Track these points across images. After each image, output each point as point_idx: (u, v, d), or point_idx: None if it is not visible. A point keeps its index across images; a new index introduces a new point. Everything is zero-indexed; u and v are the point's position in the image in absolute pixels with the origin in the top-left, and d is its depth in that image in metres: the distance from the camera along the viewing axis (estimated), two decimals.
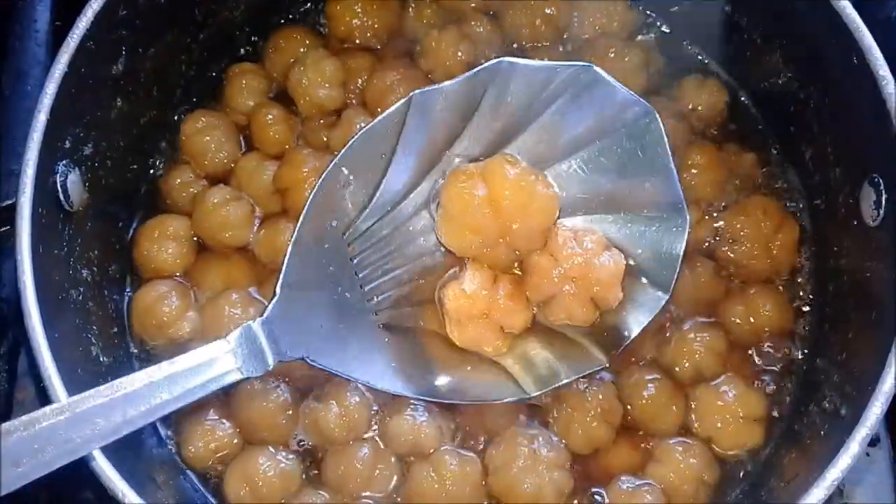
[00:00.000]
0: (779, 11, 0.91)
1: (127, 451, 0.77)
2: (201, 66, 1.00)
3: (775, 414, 0.88)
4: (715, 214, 0.95)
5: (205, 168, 0.97)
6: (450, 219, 0.78)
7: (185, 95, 1.00)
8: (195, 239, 0.94)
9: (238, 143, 0.98)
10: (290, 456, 0.85)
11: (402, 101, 0.76)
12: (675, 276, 0.78)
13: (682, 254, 0.78)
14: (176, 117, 0.99)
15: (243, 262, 0.93)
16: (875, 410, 0.71)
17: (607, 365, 0.80)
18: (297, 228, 0.76)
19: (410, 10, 1.02)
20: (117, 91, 0.88)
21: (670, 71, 1.01)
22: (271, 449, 0.85)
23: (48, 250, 0.77)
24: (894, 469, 0.92)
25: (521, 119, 0.79)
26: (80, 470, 0.88)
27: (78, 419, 0.63)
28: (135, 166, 0.95)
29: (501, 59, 0.77)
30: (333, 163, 0.77)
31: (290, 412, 0.86)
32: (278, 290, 0.74)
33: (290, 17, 1.04)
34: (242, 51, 1.02)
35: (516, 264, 0.81)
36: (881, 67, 0.77)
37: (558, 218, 0.79)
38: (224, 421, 0.86)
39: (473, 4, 1.03)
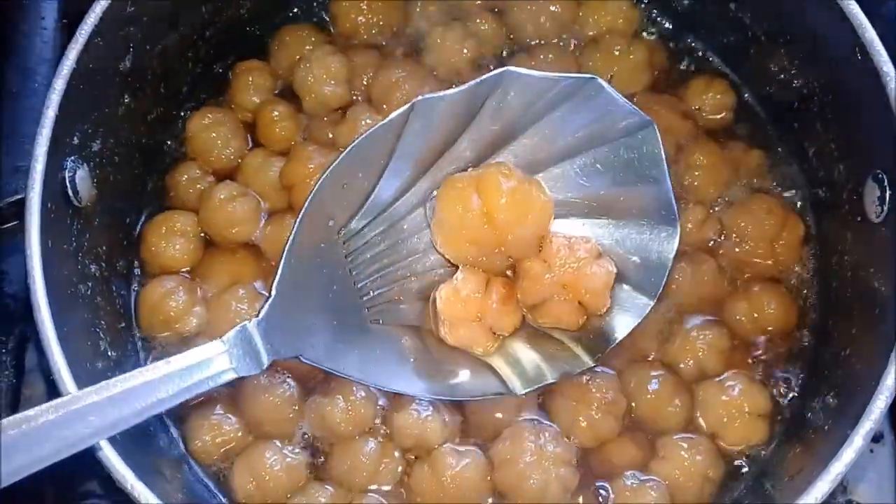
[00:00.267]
0: (782, 8, 0.91)
1: (135, 444, 0.77)
2: (208, 63, 1.01)
3: (779, 409, 0.89)
4: (718, 209, 0.95)
5: (211, 164, 0.97)
6: (445, 229, 0.78)
7: (192, 92, 1.00)
8: (202, 235, 0.94)
9: (244, 140, 0.99)
10: (297, 450, 0.86)
11: (406, 106, 0.76)
12: (663, 284, 0.79)
13: (670, 262, 0.79)
14: (183, 114, 1.00)
15: (250, 258, 0.93)
16: (879, 404, 0.71)
17: (592, 366, 0.81)
18: (294, 229, 0.76)
19: (416, 7, 1.03)
20: (125, 88, 0.88)
21: (675, 68, 1.02)
22: (278, 443, 0.85)
23: (57, 245, 0.77)
24: None
25: (518, 124, 0.80)
26: (86, 464, 0.89)
27: (74, 416, 0.64)
28: (142, 162, 0.96)
29: (506, 68, 0.77)
30: (335, 163, 0.78)
31: (297, 407, 0.87)
32: (274, 290, 0.74)
33: (296, 14, 1.05)
34: (248, 48, 1.03)
35: (509, 268, 0.81)
36: (884, 63, 0.77)
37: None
38: (231, 416, 0.87)
39: (478, 1, 1.03)
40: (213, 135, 0.97)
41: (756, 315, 0.90)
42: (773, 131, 0.99)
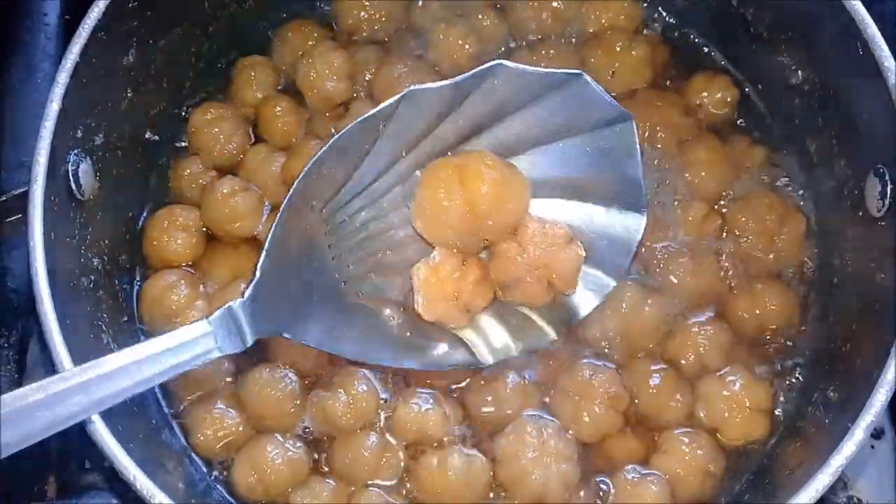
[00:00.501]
0: (783, 3, 0.91)
1: (137, 436, 0.78)
2: (210, 59, 1.01)
3: (780, 404, 0.89)
4: (721, 205, 0.95)
5: (214, 159, 0.98)
6: (425, 213, 0.80)
7: (195, 87, 1.01)
8: (204, 229, 0.94)
9: (247, 135, 0.99)
10: (299, 444, 0.86)
11: (397, 96, 0.77)
12: (627, 266, 0.83)
13: (635, 247, 0.82)
14: (185, 109, 1.00)
15: (251, 253, 0.94)
16: (879, 398, 0.71)
17: (555, 339, 0.84)
18: (281, 213, 0.77)
19: (418, 3, 1.03)
20: (128, 82, 0.89)
21: (676, 64, 1.02)
22: (279, 437, 0.85)
23: (60, 238, 0.78)
24: None
25: (502, 112, 0.81)
26: (89, 455, 0.90)
27: (65, 394, 0.65)
28: (144, 157, 0.96)
29: (498, 61, 0.78)
30: (323, 150, 0.78)
31: (299, 401, 0.87)
32: (258, 271, 0.75)
33: (299, 10, 1.05)
34: (251, 44, 1.03)
35: (484, 249, 0.83)
36: (886, 59, 0.78)
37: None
38: (232, 410, 0.87)
39: None
40: (216, 130, 0.97)
41: (757, 311, 0.90)
42: (775, 126, 0.99)
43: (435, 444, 0.85)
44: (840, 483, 0.90)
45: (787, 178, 0.97)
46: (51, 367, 0.72)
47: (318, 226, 0.79)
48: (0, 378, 0.94)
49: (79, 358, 0.72)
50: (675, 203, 0.95)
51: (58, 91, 0.77)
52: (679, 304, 0.91)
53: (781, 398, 0.89)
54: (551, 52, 1.00)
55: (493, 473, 0.84)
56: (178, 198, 0.97)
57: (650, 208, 0.92)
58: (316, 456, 0.87)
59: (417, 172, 0.81)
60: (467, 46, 0.99)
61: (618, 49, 0.99)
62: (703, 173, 0.95)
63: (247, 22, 1.02)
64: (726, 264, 0.93)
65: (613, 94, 0.97)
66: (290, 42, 1.02)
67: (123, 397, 0.67)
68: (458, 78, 0.78)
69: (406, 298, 0.83)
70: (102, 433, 0.70)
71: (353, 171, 0.80)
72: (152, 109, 0.95)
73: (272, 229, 0.76)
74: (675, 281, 0.91)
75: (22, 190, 0.78)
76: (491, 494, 0.85)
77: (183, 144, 0.99)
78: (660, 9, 1.04)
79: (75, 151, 0.81)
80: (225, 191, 0.93)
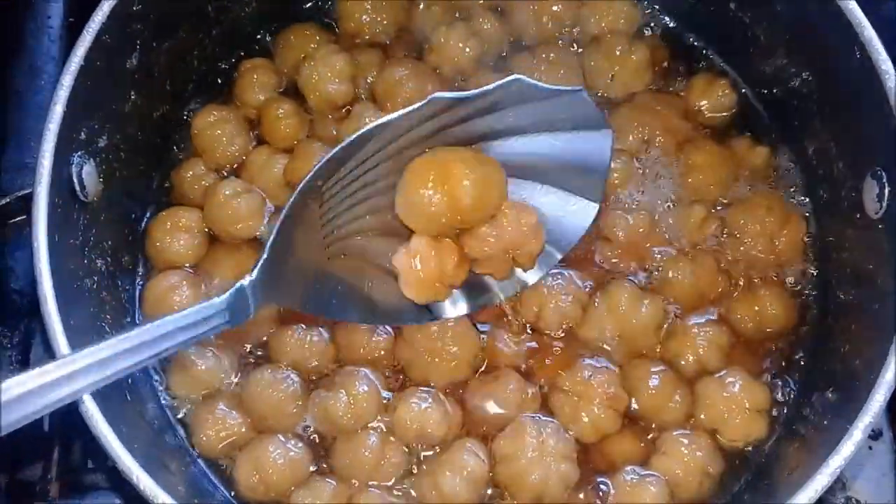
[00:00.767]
0: (782, 7, 0.92)
1: (141, 437, 0.78)
2: (213, 61, 1.01)
3: (778, 405, 0.89)
4: (719, 207, 0.95)
5: (216, 161, 0.98)
6: (409, 205, 0.83)
7: (198, 90, 1.01)
8: (206, 231, 0.95)
9: (249, 137, 0.99)
10: (300, 444, 0.86)
11: (424, 101, 0.79)
12: (571, 246, 0.89)
13: (583, 232, 0.89)
14: (188, 111, 1.00)
15: (253, 254, 0.94)
16: (877, 399, 0.72)
17: (502, 300, 0.90)
18: (296, 193, 0.78)
19: (420, 6, 1.04)
20: (132, 84, 0.89)
21: (676, 67, 1.02)
22: (281, 437, 0.86)
23: (63, 240, 0.78)
24: None
25: (503, 115, 0.83)
26: (92, 456, 0.90)
27: (81, 373, 0.65)
28: (148, 159, 0.97)
29: (518, 77, 0.81)
30: (353, 137, 0.79)
31: (300, 402, 0.87)
32: (267, 252, 0.77)
33: (301, 12, 1.05)
34: (254, 46, 1.04)
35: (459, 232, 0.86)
36: (883, 62, 0.78)
37: None
38: (234, 410, 0.87)
39: (481, 1, 1.04)
40: (219, 132, 0.97)
41: (756, 313, 0.91)
42: (773, 129, 1.00)
43: (435, 444, 0.86)
44: (838, 484, 0.90)
45: (786, 181, 0.98)
46: None
47: (317, 199, 0.81)
48: (3, 378, 0.94)
49: None
50: (675, 206, 0.95)
51: (62, 94, 0.78)
52: (678, 305, 0.91)
53: (780, 399, 0.89)
54: (551, 55, 1.00)
55: (493, 473, 0.85)
56: (180, 199, 0.97)
57: (651, 210, 0.95)
58: (317, 456, 0.87)
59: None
60: (468, 49, 1.00)
61: (617, 52, 0.99)
62: (702, 176, 0.96)
63: (249, 25, 1.03)
64: (726, 266, 0.93)
65: (613, 97, 1.00)
66: (292, 45, 1.02)
67: (131, 371, 0.68)
68: (479, 90, 0.80)
69: (382, 260, 0.86)
70: (106, 434, 0.71)
71: (362, 161, 0.81)
72: (155, 112, 0.96)
73: (287, 208, 0.78)
74: (675, 283, 0.91)
75: (26, 192, 0.79)
76: (489, 492, 0.85)
77: (186, 147, 1.00)
78: (659, 12, 1.04)
79: (79, 153, 0.81)
80: (227, 193, 0.94)
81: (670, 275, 0.92)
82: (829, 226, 0.93)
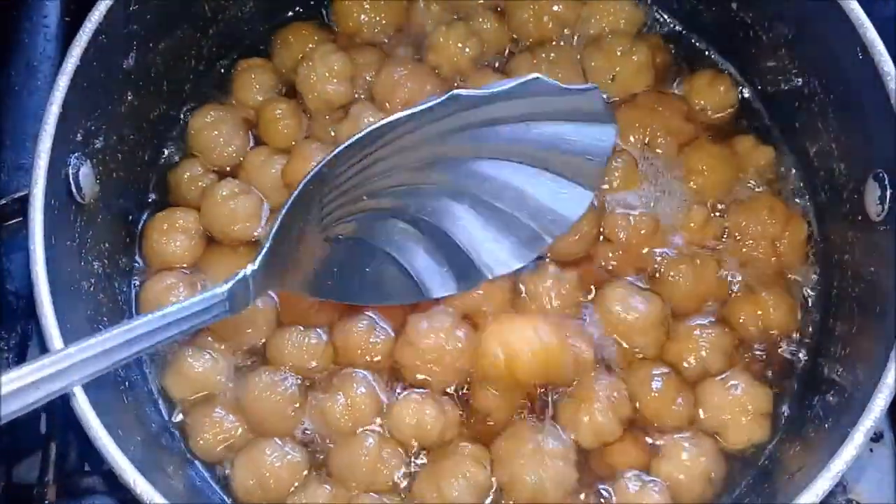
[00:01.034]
0: (783, 8, 0.91)
1: (136, 440, 0.78)
2: (210, 61, 1.01)
3: (781, 408, 0.89)
4: (721, 210, 0.95)
5: (213, 162, 0.98)
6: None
7: (195, 90, 1.01)
8: (203, 232, 0.94)
9: (246, 138, 0.99)
10: (297, 448, 0.86)
11: (445, 95, 0.80)
12: (562, 232, 0.90)
13: (576, 218, 0.90)
14: (185, 112, 1.00)
15: (251, 255, 0.93)
16: (879, 402, 0.71)
17: (489, 278, 0.91)
18: (304, 181, 0.79)
19: (419, 5, 1.03)
20: (128, 85, 0.89)
21: (677, 68, 1.02)
22: (278, 441, 0.85)
23: (60, 242, 0.78)
24: None
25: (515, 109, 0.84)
26: (89, 460, 0.90)
27: (90, 361, 0.67)
28: (144, 160, 0.96)
29: (538, 76, 0.82)
30: (365, 131, 0.79)
31: (298, 404, 0.87)
32: (271, 240, 0.77)
33: (299, 12, 1.05)
34: (251, 46, 1.03)
35: None
36: (885, 63, 0.78)
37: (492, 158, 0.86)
38: (232, 413, 0.87)
39: (481, 0, 1.03)
40: (216, 132, 0.97)
41: (758, 316, 0.90)
42: (775, 130, 0.99)
43: (432, 443, 0.86)
44: (839, 486, 0.90)
45: (787, 182, 0.97)
46: None
47: (323, 187, 0.81)
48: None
49: None
50: (677, 207, 0.95)
51: (58, 95, 0.77)
52: (680, 307, 0.91)
53: (782, 401, 0.89)
54: (552, 55, 0.99)
55: (493, 474, 0.85)
56: (177, 200, 0.97)
57: (652, 211, 0.94)
58: (315, 459, 0.87)
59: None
60: (468, 49, 0.99)
61: (619, 53, 0.98)
62: (703, 178, 0.95)
63: (247, 24, 1.02)
64: (727, 269, 0.93)
65: (614, 98, 0.99)
66: (290, 44, 1.02)
67: (132, 357, 0.69)
68: (500, 88, 0.81)
69: (379, 241, 0.87)
70: (102, 437, 0.71)
71: (373, 151, 0.81)
72: (152, 112, 0.95)
73: (292, 198, 0.78)
74: (676, 285, 0.91)
75: (22, 193, 0.78)
76: (491, 495, 0.85)
77: (182, 147, 0.99)
78: (661, 12, 1.04)
79: (76, 155, 0.80)
80: (224, 193, 0.93)
81: (671, 277, 0.91)
82: (831, 228, 0.92)
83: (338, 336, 0.90)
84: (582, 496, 0.85)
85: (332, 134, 0.98)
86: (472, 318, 0.90)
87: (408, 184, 0.85)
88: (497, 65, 1.02)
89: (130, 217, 0.95)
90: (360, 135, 0.79)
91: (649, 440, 0.87)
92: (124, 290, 0.92)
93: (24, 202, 0.76)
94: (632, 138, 0.97)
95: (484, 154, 0.86)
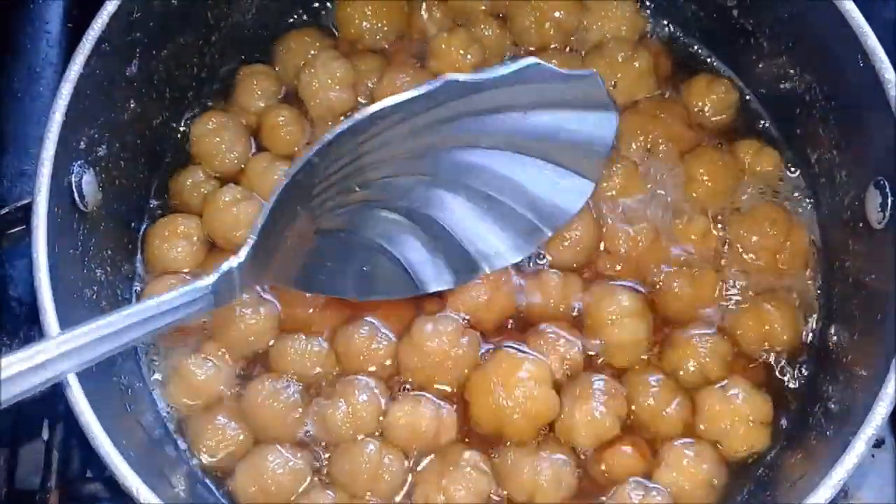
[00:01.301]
0: (784, 15, 0.91)
1: (139, 448, 0.78)
2: (213, 68, 1.01)
3: (782, 416, 0.89)
4: (722, 218, 0.95)
5: (215, 168, 0.98)
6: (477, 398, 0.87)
7: (197, 97, 1.01)
8: (205, 238, 0.94)
9: (248, 144, 0.99)
10: (300, 455, 0.86)
11: (438, 83, 0.78)
12: (562, 225, 0.88)
13: (575, 210, 0.88)
14: (187, 118, 1.00)
15: None
16: (880, 411, 0.71)
17: (487, 272, 0.90)
18: (292, 173, 0.77)
19: (421, 12, 1.03)
20: (131, 92, 0.89)
21: (679, 74, 1.02)
22: (280, 448, 0.85)
23: (63, 250, 0.78)
24: None
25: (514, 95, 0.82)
26: (91, 466, 0.90)
27: (75, 352, 0.65)
28: (147, 167, 0.96)
29: (537, 61, 0.80)
30: (359, 117, 0.78)
31: (300, 411, 0.87)
32: (257, 233, 0.76)
33: (302, 19, 1.05)
34: (254, 52, 1.03)
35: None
36: (886, 70, 0.78)
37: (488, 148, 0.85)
38: (234, 420, 0.87)
39: (483, 7, 1.03)
40: (218, 139, 0.97)
41: (759, 325, 0.90)
42: (776, 137, 0.99)
43: (429, 445, 0.86)
44: (841, 493, 0.90)
45: (788, 190, 0.97)
46: None
47: (311, 177, 0.80)
48: None
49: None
50: (678, 216, 0.95)
51: (61, 103, 0.77)
52: (679, 317, 0.91)
53: (783, 409, 0.89)
54: (553, 62, 0.98)
55: (494, 478, 0.85)
56: (180, 207, 0.97)
57: (653, 221, 0.94)
58: (317, 466, 0.87)
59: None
60: (469, 56, 0.99)
61: (620, 59, 0.98)
62: (705, 187, 0.95)
63: (249, 31, 1.02)
64: (728, 279, 0.93)
65: (616, 105, 0.99)
66: (292, 51, 1.02)
67: (121, 349, 0.68)
68: (499, 75, 0.79)
69: (371, 233, 0.85)
70: (104, 444, 0.71)
71: (364, 141, 0.80)
72: (154, 119, 0.95)
73: (281, 188, 0.76)
74: (676, 295, 0.91)
75: (25, 202, 0.79)
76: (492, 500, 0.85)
77: (185, 154, 0.99)
78: (662, 19, 1.04)
79: (78, 163, 0.81)
80: (227, 199, 0.93)
81: (672, 286, 0.91)
82: (832, 235, 0.92)
83: (340, 342, 0.90)
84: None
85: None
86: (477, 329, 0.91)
87: (401, 174, 0.83)
88: None
89: (132, 224, 0.95)
90: (348, 124, 0.77)
91: (650, 448, 0.87)
92: (127, 297, 0.92)
93: (27, 210, 0.75)
94: (633, 145, 0.97)
95: (480, 144, 0.84)
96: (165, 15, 0.89)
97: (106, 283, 0.87)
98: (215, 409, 0.88)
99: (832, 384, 0.85)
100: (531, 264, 0.93)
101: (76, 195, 0.80)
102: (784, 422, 0.89)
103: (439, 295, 0.90)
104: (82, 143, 0.81)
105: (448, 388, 0.88)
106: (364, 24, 1.03)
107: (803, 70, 0.92)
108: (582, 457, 0.86)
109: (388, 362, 0.89)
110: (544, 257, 0.93)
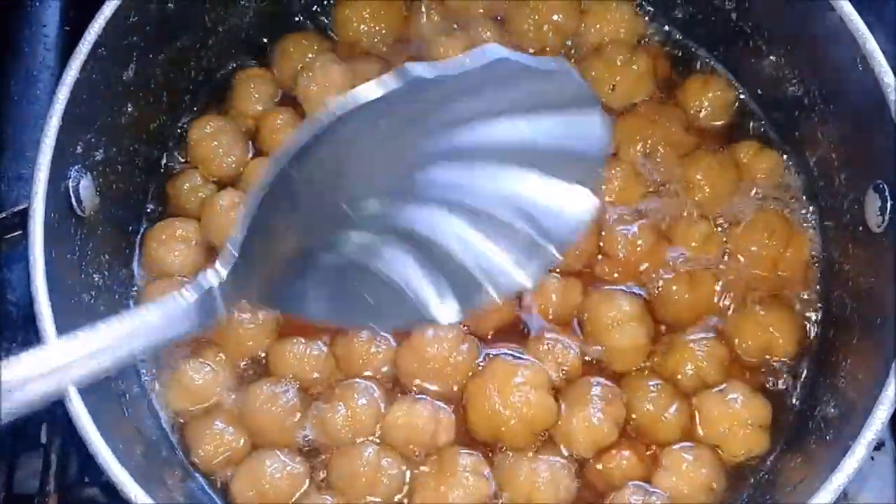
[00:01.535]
0: (782, 18, 0.91)
1: (136, 453, 0.78)
2: (210, 72, 1.01)
3: (780, 420, 0.88)
4: (721, 224, 0.95)
5: (213, 172, 0.97)
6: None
7: (194, 100, 1.00)
8: (203, 241, 0.94)
9: (246, 148, 0.99)
10: (298, 459, 0.86)
11: (393, 77, 0.69)
12: (570, 243, 0.81)
13: (582, 227, 0.79)
14: (184, 122, 1.00)
15: None
16: (880, 415, 0.71)
17: (495, 298, 0.82)
18: (259, 186, 0.69)
19: (419, 15, 1.03)
20: (128, 96, 0.88)
21: (678, 77, 1.02)
22: (279, 452, 0.85)
23: (60, 255, 0.78)
24: None
25: (491, 94, 0.75)
26: (88, 471, 0.90)
27: (61, 368, 0.61)
28: (144, 171, 0.96)
29: (505, 56, 0.72)
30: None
31: (299, 415, 0.87)
32: (237, 251, 0.69)
33: (299, 22, 1.05)
34: (251, 56, 1.03)
35: None
36: (885, 74, 0.77)
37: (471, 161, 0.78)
38: (232, 425, 0.87)
39: (481, 10, 1.03)
40: (215, 143, 0.97)
41: (758, 330, 0.89)
42: (775, 140, 0.99)
43: (426, 446, 0.86)
44: (841, 496, 0.89)
45: (788, 194, 0.97)
46: None
47: (288, 188, 0.72)
48: None
49: None
50: (677, 221, 0.94)
51: (58, 107, 0.77)
52: (678, 323, 0.91)
53: (782, 413, 0.89)
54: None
55: (493, 481, 0.85)
56: (177, 211, 0.96)
57: (651, 226, 0.93)
58: (315, 470, 0.86)
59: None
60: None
61: (618, 62, 0.98)
62: (705, 190, 0.95)
63: (246, 35, 1.02)
64: (728, 284, 0.92)
65: (614, 108, 0.99)
66: (289, 54, 1.02)
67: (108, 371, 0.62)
68: (462, 69, 0.69)
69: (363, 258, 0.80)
70: (102, 449, 0.70)
71: (335, 149, 0.72)
72: (152, 123, 0.95)
73: (252, 199, 0.68)
74: (674, 301, 0.90)
75: (22, 207, 0.78)
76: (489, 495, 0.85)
77: (182, 158, 0.99)
78: (661, 22, 1.04)
79: (76, 167, 0.80)
80: (224, 203, 0.93)
81: (670, 292, 0.91)
82: (831, 239, 0.92)
83: (339, 346, 0.90)
84: None
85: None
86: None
87: (392, 191, 0.78)
88: None
89: (130, 228, 0.95)
90: (304, 133, 0.68)
91: (649, 452, 0.87)
92: (125, 302, 0.92)
93: (24, 215, 0.75)
94: (632, 149, 0.97)
95: (462, 158, 0.77)
96: (162, 18, 0.89)
97: (103, 288, 0.87)
98: (213, 414, 0.88)
99: (832, 388, 0.85)
100: None
101: (73, 200, 0.80)
102: (784, 426, 0.88)
103: None
104: (79, 147, 0.81)
105: (447, 394, 0.88)
106: (362, 27, 1.02)
107: (802, 73, 0.92)
108: (580, 461, 0.86)
109: (386, 368, 0.89)
110: None
